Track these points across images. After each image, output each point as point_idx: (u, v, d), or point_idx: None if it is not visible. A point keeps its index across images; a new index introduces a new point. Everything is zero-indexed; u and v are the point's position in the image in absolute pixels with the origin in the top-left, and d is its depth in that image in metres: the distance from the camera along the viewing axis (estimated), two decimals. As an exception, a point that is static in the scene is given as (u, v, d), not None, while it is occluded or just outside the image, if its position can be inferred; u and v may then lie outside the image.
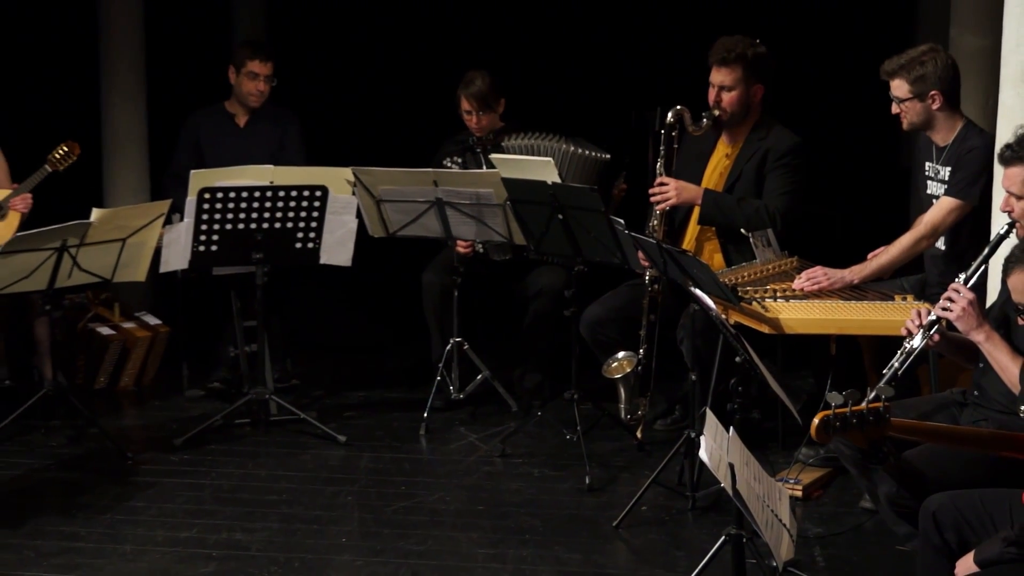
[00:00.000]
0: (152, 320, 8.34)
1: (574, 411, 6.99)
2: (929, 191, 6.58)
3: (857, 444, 4.92)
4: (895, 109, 6.46)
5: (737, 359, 5.72)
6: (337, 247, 7.42)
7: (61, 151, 7.52)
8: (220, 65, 8.41)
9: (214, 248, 7.30)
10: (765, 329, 6.30)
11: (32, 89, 10.56)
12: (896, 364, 5.37)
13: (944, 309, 5.24)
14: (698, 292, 5.92)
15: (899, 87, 6.39)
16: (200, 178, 7.33)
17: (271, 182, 7.35)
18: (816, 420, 4.57)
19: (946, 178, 6.44)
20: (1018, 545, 4.46)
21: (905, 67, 6.37)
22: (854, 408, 4.61)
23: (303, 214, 7.33)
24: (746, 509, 4.82)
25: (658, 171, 7.13)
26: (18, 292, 7.02)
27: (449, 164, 7.83)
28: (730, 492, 4.83)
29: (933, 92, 6.35)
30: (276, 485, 6.85)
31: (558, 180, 7.09)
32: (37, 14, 11.03)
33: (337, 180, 7.40)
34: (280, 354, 8.05)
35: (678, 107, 7.02)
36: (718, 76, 7.09)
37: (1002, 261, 5.07)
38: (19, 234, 6.98)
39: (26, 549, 6.15)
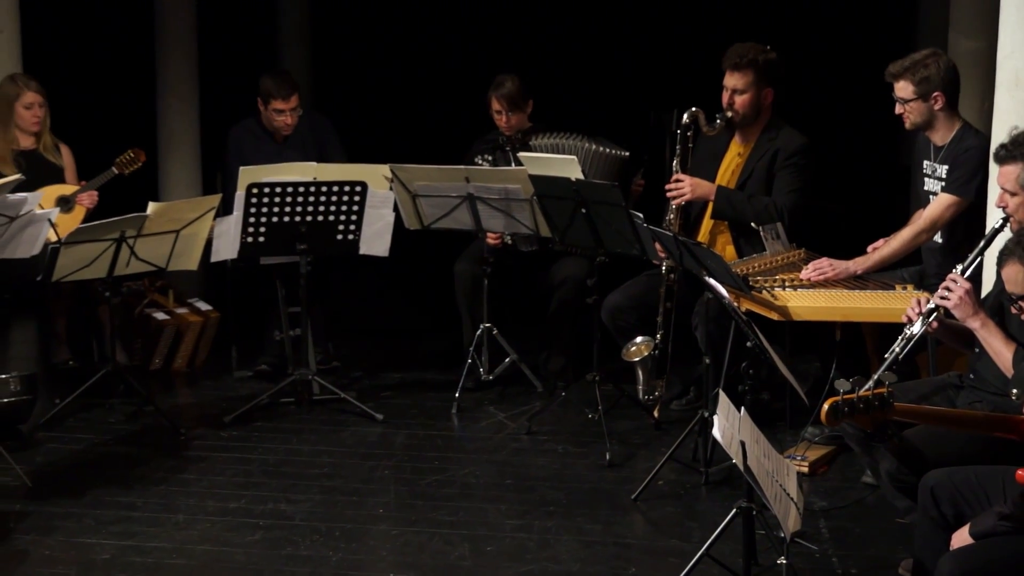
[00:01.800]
0: (204, 306, 8.35)
1: (595, 392, 6.98)
2: (927, 188, 6.55)
3: (863, 427, 4.90)
4: (899, 109, 6.43)
5: (748, 344, 5.70)
6: (375, 239, 7.42)
7: (128, 156, 7.54)
8: (264, 71, 8.39)
9: (261, 239, 7.31)
10: (774, 316, 6.28)
11: (96, 94, 10.60)
12: (897, 349, 5.36)
13: (942, 298, 5.22)
14: (712, 281, 5.90)
15: (904, 88, 6.37)
16: (248, 174, 7.35)
17: (314, 178, 7.35)
18: (825, 405, 4.56)
19: (944, 175, 6.41)
20: (1011, 519, 4.44)
21: (910, 69, 6.34)
22: (861, 394, 4.59)
23: (344, 208, 7.33)
24: (756, 484, 4.80)
25: (674, 168, 7.11)
26: (81, 280, 7.05)
27: (480, 161, 7.82)
28: (741, 468, 4.82)
29: (936, 93, 6.33)
30: (318, 460, 6.86)
31: (581, 177, 7.08)
32: (100, 29, 11.07)
33: (375, 176, 7.40)
34: (323, 338, 8.05)
35: (693, 109, 7.00)
36: (731, 80, 7.07)
37: (996, 254, 5.05)
38: (81, 225, 7.00)
39: (87, 517, 6.17)
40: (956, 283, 5.20)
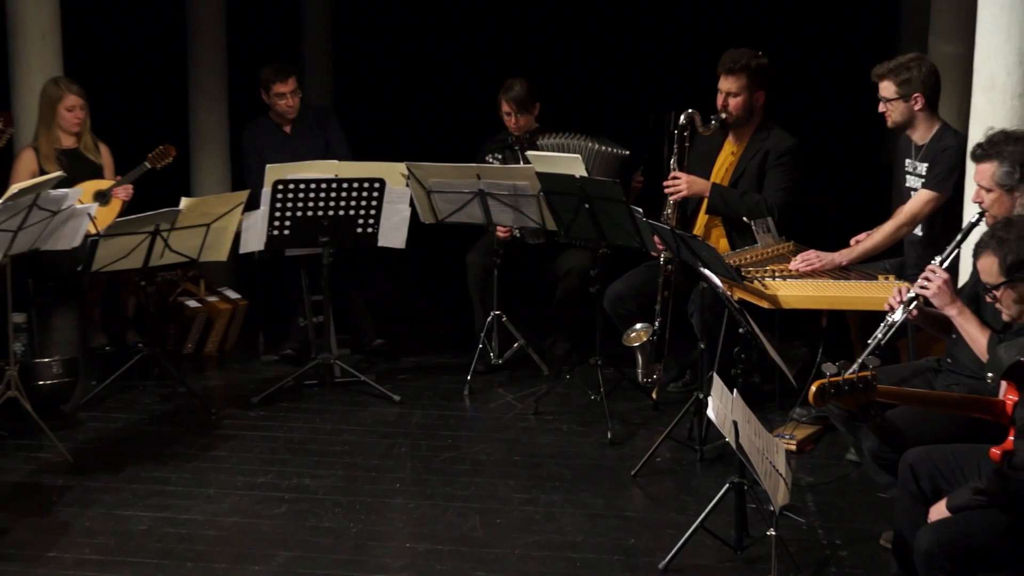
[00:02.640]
0: (233, 295, 8.36)
1: (598, 375, 6.99)
2: (908, 184, 6.55)
3: (848, 408, 4.91)
4: (881, 108, 6.43)
5: (740, 330, 5.70)
6: (393, 232, 7.42)
7: (159, 150, 7.56)
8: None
9: (286, 232, 7.31)
10: (765, 304, 6.29)
11: (132, 97, 10.61)
12: (879, 335, 5.37)
13: (922, 287, 5.22)
14: (707, 272, 5.90)
15: (887, 88, 6.37)
16: (274, 172, 7.35)
17: (336, 175, 7.35)
18: (813, 388, 4.56)
19: (923, 173, 6.41)
20: (985, 494, 4.45)
21: (893, 71, 6.35)
22: (846, 377, 4.60)
23: (363, 203, 7.33)
24: (747, 460, 4.81)
25: (672, 166, 7.11)
26: (116, 270, 7.06)
27: (491, 160, 7.82)
28: (734, 446, 4.83)
29: (916, 94, 6.33)
30: (339, 438, 6.87)
31: (585, 174, 7.08)
32: (136, 35, 11.09)
33: (393, 173, 7.40)
34: (366, 321, 8.07)
35: (690, 110, 6.99)
36: (725, 84, 7.07)
37: (973, 246, 5.05)
38: (118, 219, 7.02)
39: (124, 491, 6.19)
40: (935, 273, 5.20)
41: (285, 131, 8.18)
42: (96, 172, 7.81)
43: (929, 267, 5.27)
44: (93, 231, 6.91)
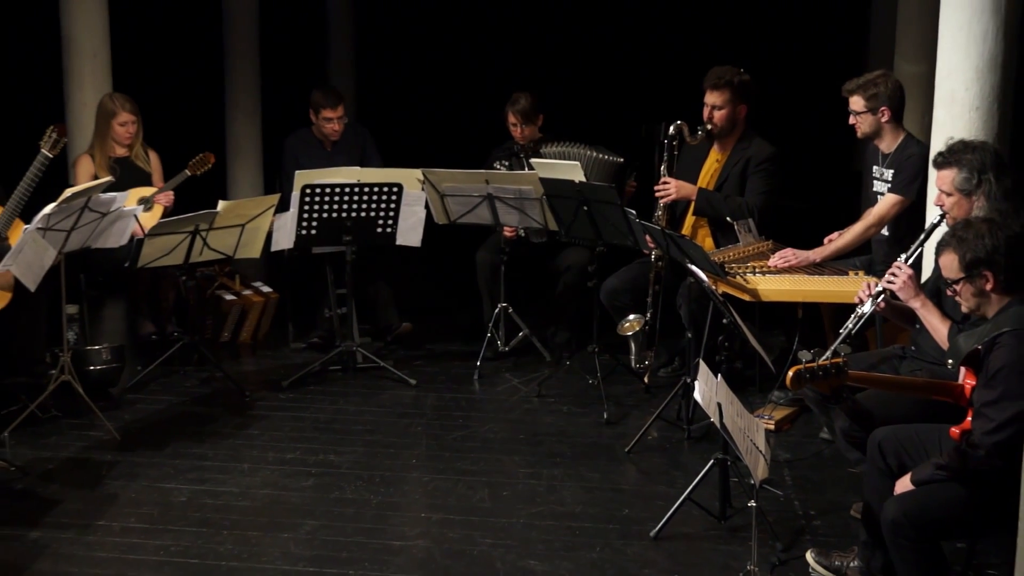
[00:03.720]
0: (265, 288, 8.35)
1: (595, 361, 6.97)
2: (875, 189, 6.54)
3: (822, 391, 4.90)
4: (852, 120, 6.42)
5: (724, 321, 5.68)
6: (409, 231, 7.41)
7: (199, 158, 7.54)
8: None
9: (313, 232, 7.31)
10: (746, 297, 6.28)
11: (174, 109, 10.60)
12: (850, 325, 5.35)
13: (889, 282, 5.21)
14: (694, 268, 5.89)
15: (856, 102, 6.36)
16: (303, 177, 7.35)
17: (358, 180, 7.34)
18: (791, 373, 4.55)
19: (890, 179, 6.40)
20: (946, 469, 4.45)
21: (862, 87, 6.33)
22: (819, 363, 4.59)
23: (383, 205, 7.32)
24: (730, 439, 4.80)
25: (662, 172, 7.09)
26: (160, 266, 7.06)
27: (498, 166, 7.81)
28: (718, 425, 4.82)
29: (883, 108, 6.32)
30: (361, 418, 6.86)
31: (584, 179, 7.07)
32: (177, 54, 11.09)
33: (410, 179, 7.39)
34: (391, 309, 8.05)
35: (678, 122, 6.98)
36: (710, 98, 7.05)
37: (935, 245, 5.04)
38: (162, 220, 7.01)
39: (167, 466, 6.19)
40: (900, 270, 5.19)
41: (325, 148, 8.16)
42: (145, 179, 7.79)
43: (895, 264, 5.25)
44: (140, 233, 6.92)
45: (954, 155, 5.28)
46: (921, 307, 5.11)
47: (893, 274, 5.19)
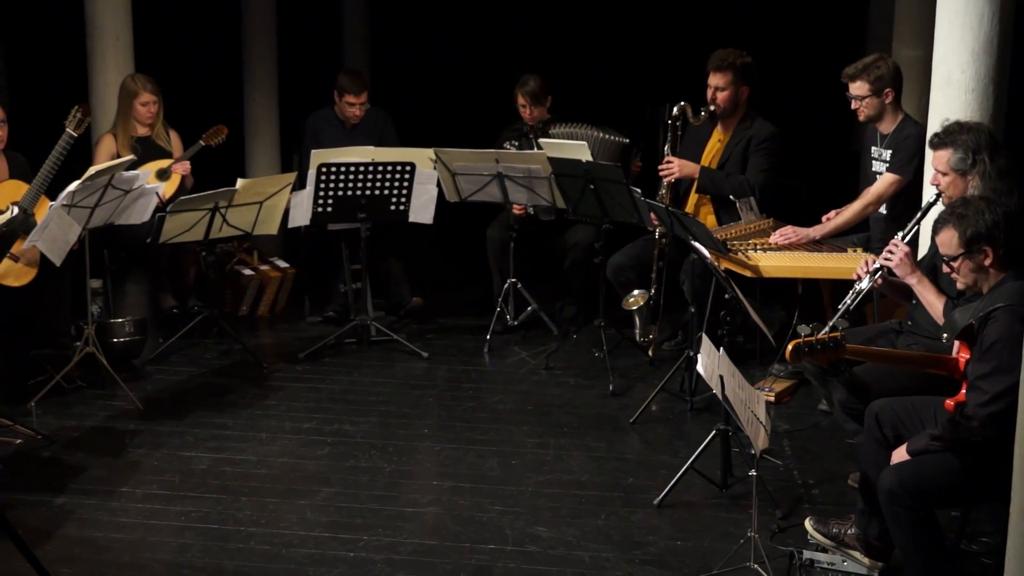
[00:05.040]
0: (282, 264, 8.36)
1: (601, 335, 6.98)
2: (874, 169, 6.52)
3: (820, 364, 4.89)
4: (854, 105, 6.36)
5: (726, 296, 5.68)
6: (422, 209, 7.41)
7: (212, 130, 7.52)
8: (331, 71, 8.38)
9: (329, 209, 7.31)
10: (748, 273, 6.27)
11: (193, 90, 10.57)
12: (848, 301, 5.34)
13: (886, 259, 5.20)
14: (697, 244, 5.88)
15: (860, 87, 6.30)
16: (319, 156, 7.35)
17: (372, 159, 7.34)
18: (790, 346, 4.54)
19: (888, 159, 6.37)
20: (940, 439, 4.44)
21: (864, 71, 6.29)
22: (818, 337, 4.58)
23: (396, 184, 7.32)
24: (732, 410, 4.79)
25: (666, 152, 7.08)
26: (181, 242, 7.06)
27: (508, 146, 7.79)
28: (720, 397, 4.81)
29: (887, 89, 6.28)
30: (375, 389, 6.87)
31: (591, 159, 7.05)
32: (197, 35, 11.08)
33: (422, 158, 7.39)
34: (403, 284, 8.04)
35: (682, 103, 6.96)
36: (714, 79, 7.03)
37: (931, 223, 5.02)
38: (182, 197, 7.00)
39: (187, 435, 6.21)
40: (897, 247, 5.18)
41: (345, 127, 8.15)
42: (166, 158, 7.78)
43: (892, 241, 5.24)
44: (161, 200, 6.91)
45: (949, 136, 5.26)
46: (917, 283, 5.10)
47: (890, 251, 5.18)
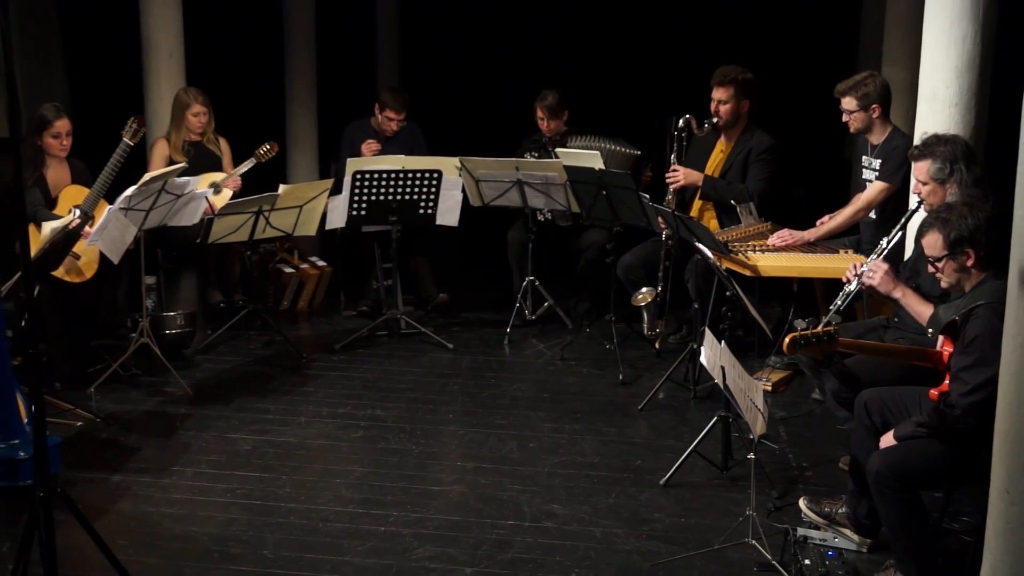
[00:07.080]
0: (320, 262, 8.36)
1: (612, 329, 6.97)
2: (864, 177, 6.49)
3: (814, 356, 4.87)
4: (845, 118, 6.35)
5: (727, 293, 5.66)
6: (448, 213, 7.41)
7: (265, 147, 7.52)
8: (365, 86, 8.37)
9: (363, 212, 7.31)
10: (747, 272, 6.25)
11: (240, 102, 10.61)
12: (839, 302, 5.31)
13: (868, 279, 5.15)
14: (700, 246, 5.86)
15: (849, 102, 6.29)
16: (354, 164, 7.36)
17: (403, 167, 7.34)
18: (787, 339, 4.53)
19: (877, 168, 6.35)
20: (925, 426, 4.42)
21: (853, 88, 6.27)
22: (813, 331, 4.57)
23: (424, 189, 7.31)
24: (732, 398, 4.79)
25: (672, 161, 7.06)
26: (227, 242, 7.08)
27: (527, 156, 7.79)
28: (721, 386, 4.80)
29: (874, 105, 6.26)
30: (404, 377, 6.87)
31: (603, 168, 7.04)
32: (243, 53, 11.10)
33: (449, 166, 7.39)
34: (429, 281, 8.03)
35: (687, 116, 6.93)
36: (717, 93, 7.01)
37: (915, 228, 4.99)
38: (229, 201, 7.02)
39: (233, 419, 6.22)
40: (877, 267, 5.13)
41: (381, 138, 8.13)
42: (215, 161, 7.80)
43: (870, 266, 5.18)
44: (211, 212, 6.93)
45: (928, 148, 5.24)
46: (902, 297, 5.06)
47: (873, 271, 5.13)
